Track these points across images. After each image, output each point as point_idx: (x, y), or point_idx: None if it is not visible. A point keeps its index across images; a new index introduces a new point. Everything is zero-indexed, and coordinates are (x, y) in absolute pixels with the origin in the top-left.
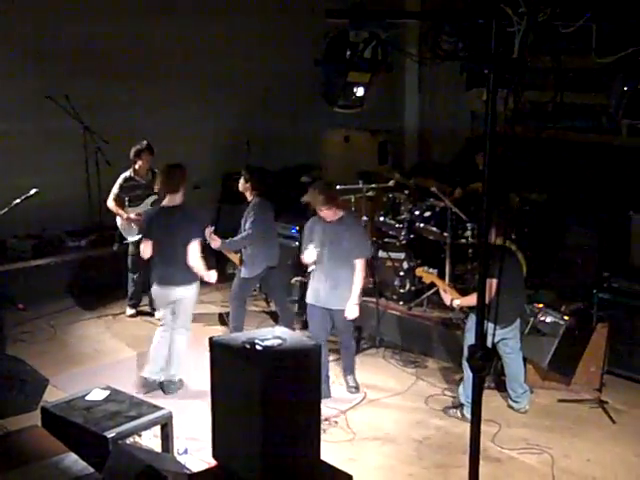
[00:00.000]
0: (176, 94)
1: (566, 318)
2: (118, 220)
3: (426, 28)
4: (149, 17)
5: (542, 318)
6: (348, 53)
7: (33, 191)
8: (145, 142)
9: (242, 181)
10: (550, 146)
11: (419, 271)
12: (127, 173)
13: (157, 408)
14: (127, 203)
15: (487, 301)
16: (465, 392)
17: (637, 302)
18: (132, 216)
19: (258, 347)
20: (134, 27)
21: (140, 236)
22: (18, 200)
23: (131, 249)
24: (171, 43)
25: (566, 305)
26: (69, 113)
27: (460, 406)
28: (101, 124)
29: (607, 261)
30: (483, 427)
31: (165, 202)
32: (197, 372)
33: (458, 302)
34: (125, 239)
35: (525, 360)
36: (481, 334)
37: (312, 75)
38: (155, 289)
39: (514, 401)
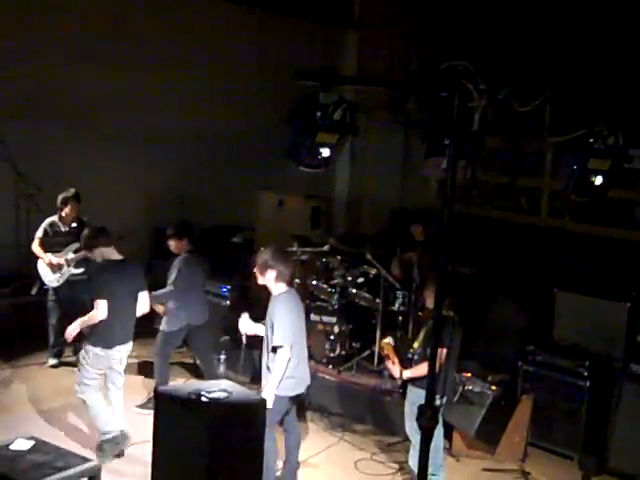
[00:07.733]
0: (111, 144)
1: (493, 388)
2: (40, 264)
3: (391, 96)
4: (85, 65)
5: (470, 387)
6: (318, 114)
7: None
8: (73, 190)
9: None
10: (477, 223)
11: (384, 343)
12: (52, 218)
13: (85, 460)
14: (49, 248)
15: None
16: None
17: (559, 376)
18: (54, 261)
19: (204, 399)
20: (69, 74)
21: (59, 282)
22: None
23: (50, 294)
24: (107, 93)
25: (492, 376)
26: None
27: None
28: (33, 170)
29: (532, 335)
30: None
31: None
32: (134, 424)
33: (408, 373)
34: (45, 284)
35: (452, 428)
36: (431, 394)
37: (249, 134)
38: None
39: (433, 475)
